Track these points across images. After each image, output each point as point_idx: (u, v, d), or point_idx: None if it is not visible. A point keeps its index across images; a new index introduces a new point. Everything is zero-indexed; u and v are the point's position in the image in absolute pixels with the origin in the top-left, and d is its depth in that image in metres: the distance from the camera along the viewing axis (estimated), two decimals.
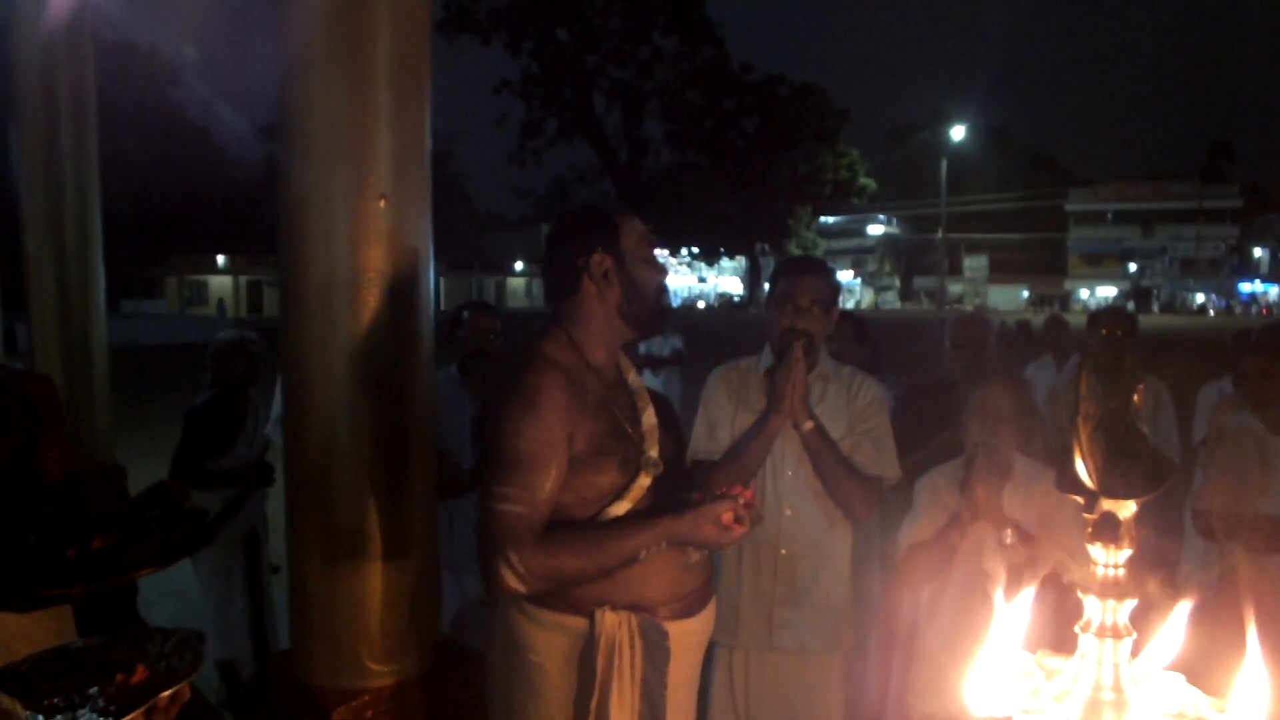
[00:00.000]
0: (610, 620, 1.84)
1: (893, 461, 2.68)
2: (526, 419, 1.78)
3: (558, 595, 1.86)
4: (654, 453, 1.92)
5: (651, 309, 1.95)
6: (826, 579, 2.68)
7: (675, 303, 68.83)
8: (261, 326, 5.01)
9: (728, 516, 1.80)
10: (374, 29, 1.96)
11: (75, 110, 3.61)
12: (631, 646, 1.85)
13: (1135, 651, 0.92)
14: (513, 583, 1.75)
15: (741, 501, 1.86)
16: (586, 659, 1.85)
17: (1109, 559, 0.88)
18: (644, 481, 1.90)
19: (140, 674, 1.18)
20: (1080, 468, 0.87)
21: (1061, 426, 3.80)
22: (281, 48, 1.99)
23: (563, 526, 1.81)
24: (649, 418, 1.98)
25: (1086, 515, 0.88)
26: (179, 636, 1.26)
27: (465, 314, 3.72)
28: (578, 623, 1.86)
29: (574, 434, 1.83)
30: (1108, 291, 65.95)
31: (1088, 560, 0.89)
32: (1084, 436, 0.85)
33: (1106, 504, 0.85)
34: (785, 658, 2.68)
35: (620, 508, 1.88)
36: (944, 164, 53.61)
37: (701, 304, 69.36)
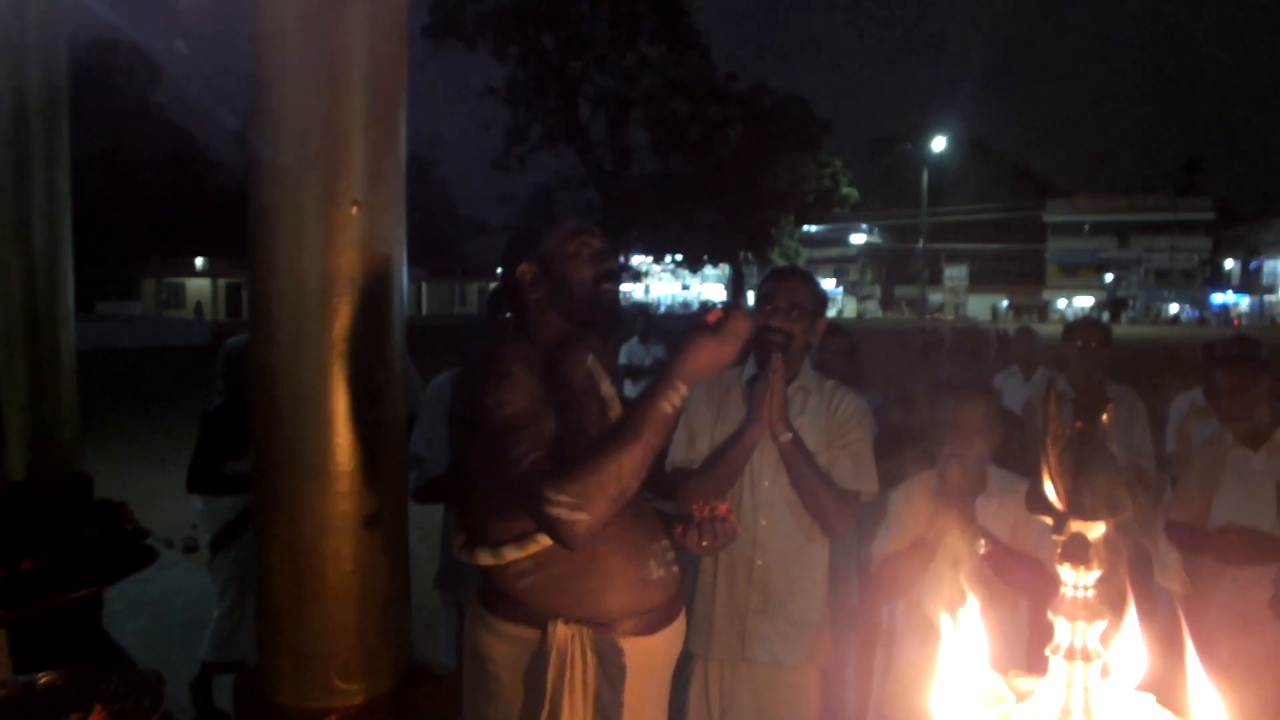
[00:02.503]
0: (562, 633, 1.80)
1: (871, 476, 2.68)
2: (504, 387, 1.76)
3: (514, 604, 1.83)
4: None
5: (585, 300, 1.91)
6: (802, 591, 2.67)
7: (660, 310, 69.02)
8: (240, 330, 4.98)
9: (714, 315, 1.71)
10: (349, 34, 1.93)
11: (46, 108, 3.54)
12: (584, 661, 1.81)
13: (1106, 672, 0.91)
14: (568, 515, 1.62)
15: (716, 511, 1.84)
16: (537, 671, 1.81)
17: (1078, 580, 0.86)
18: None
19: (98, 715, 1.14)
20: (1049, 488, 0.86)
21: (1037, 435, 3.83)
22: (253, 51, 1.96)
23: (577, 448, 1.73)
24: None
25: (1056, 537, 0.87)
26: (138, 677, 1.22)
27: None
28: (530, 634, 1.83)
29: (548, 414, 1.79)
30: (1085, 301, 66.61)
31: (1057, 579, 0.88)
32: (1053, 457, 0.84)
33: (1075, 525, 0.84)
34: (759, 670, 2.67)
35: None
36: (925, 175, 54.02)
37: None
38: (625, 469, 1.64)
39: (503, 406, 1.74)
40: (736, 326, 1.71)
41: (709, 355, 1.70)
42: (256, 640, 2.08)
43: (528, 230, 1.99)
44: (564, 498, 1.62)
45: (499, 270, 2.02)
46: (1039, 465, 0.89)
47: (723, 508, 1.87)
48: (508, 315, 3.11)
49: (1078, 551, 0.84)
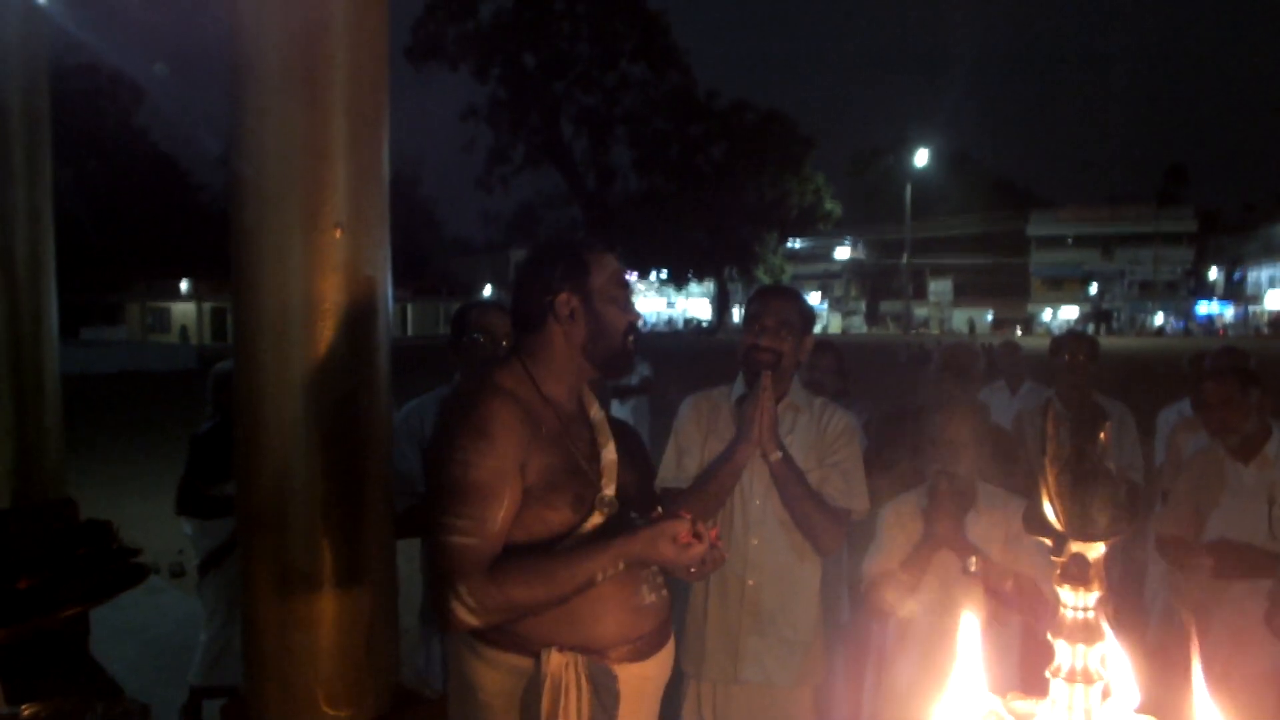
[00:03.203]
0: (556, 661, 1.79)
1: (862, 494, 2.67)
2: (477, 447, 1.74)
3: (506, 633, 1.81)
4: (609, 491, 1.88)
5: (617, 351, 1.92)
6: (794, 611, 2.66)
7: (644, 328, 68.98)
8: (226, 354, 4.96)
9: (684, 534, 1.76)
10: (330, 56, 1.93)
11: (28, 131, 3.52)
12: (578, 688, 1.80)
13: (1107, 694, 0.90)
14: (464, 615, 1.71)
15: (711, 534, 1.82)
16: (531, 700, 1.80)
17: (1078, 601, 0.85)
18: (596, 520, 1.85)
19: None
20: (1048, 509, 0.84)
21: (1026, 450, 3.84)
22: (233, 73, 1.95)
23: (513, 555, 1.77)
24: (609, 454, 1.93)
25: (1055, 558, 0.85)
26: (123, 707, 1.19)
27: (471, 315, 3.15)
28: (524, 662, 1.82)
29: (526, 465, 1.79)
30: (1070, 314, 67.04)
31: (1055, 600, 0.87)
32: (1051, 477, 0.83)
33: (1075, 546, 0.83)
34: (752, 690, 2.65)
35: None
36: (908, 189, 54.40)
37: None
38: (538, 602, 1.74)
39: (467, 468, 1.74)
40: (695, 555, 1.78)
41: (661, 556, 1.78)
42: (244, 665, 2.06)
43: (573, 256, 1.92)
44: (470, 600, 1.70)
45: (520, 281, 1.94)
46: (1037, 485, 0.88)
47: (713, 532, 1.86)
48: (474, 337, 3.06)
49: (1078, 572, 0.83)
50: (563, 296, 1.89)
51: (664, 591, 1.97)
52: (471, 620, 1.72)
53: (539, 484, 1.80)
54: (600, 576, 1.77)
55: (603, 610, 1.83)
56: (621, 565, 1.78)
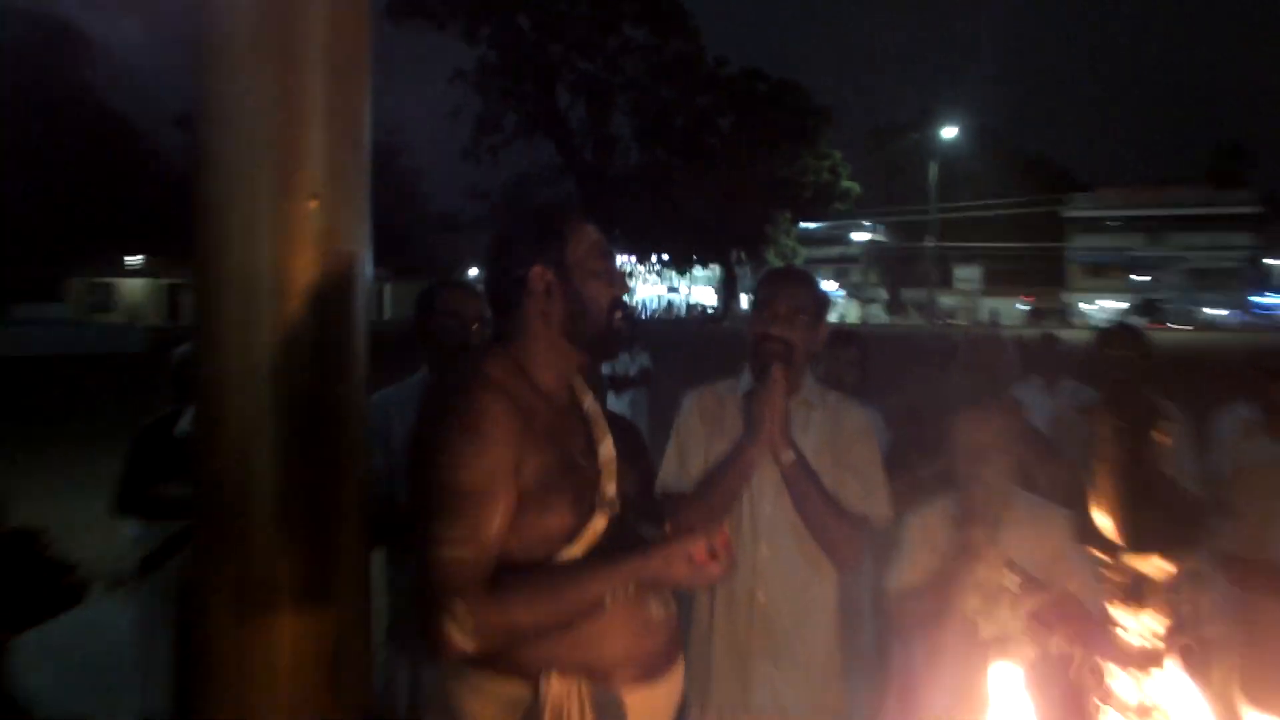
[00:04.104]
0: (558, 687, 1.78)
1: (883, 499, 2.66)
2: (468, 448, 1.73)
3: (502, 656, 1.80)
4: (610, 490, 1.88)
5: (601, 330, 1.90)
6: (810, 630, 2.65)
7: (644, 314, 69.08)
8: (180, 337, 4.93)
9: (701, 553, 1.76)
10: (306, 8, 1.92)
11: None
12: (582, 716, 1.79)
13: None
14: (459, 639, 1.69)
15: (718, 540, 1.82)
16: None
17: (1137, 625, 0.84)
18: (598, 524, 1.85)
19: None
20: (1099, 519, 0.83)
21: (1069, 456, 3.82)
22: (199, 26, 1.93)
23: (514, 572, 1.75)
24: (606, 449, 1.93)
25: (1109, 575, 0.84)
26: None
27: (438, 296, 3.10)
28: (520, 690, 1.80)
29: (521, 465, 1.78)
30: (1112, 304, 66.79)
31: (1108, 622, 0.86)
32: (1103, 483, 0.81)
33: (1132, 561, 0.82)
34: None
35: (571, 553, 1.82)
36: (933, 167, 54.35)
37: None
38: (541, 626, 1.74)
39: (457, 470, 1.73)
40: (712, 575, 1.79)
41: (676, 577, 1.80)
42: (188, 685, 2.05)
43: (547, 226, 1.92)
44: (467, 621, 1.69)
45: (491, 257, 1.94)
46: (1085, 495, 0.87)
47: (721, 536, 1.85)
48: (443, 321, 3.02)
49: (1137, 593, 0.81)
50: (536, 270, 1.87)
51: (672, 606, 1.96)
52: (467, 645, 1.70)
53: (535, 485, 1.79)
54: (609, 598, 1.77)
55: (607, 627, 1.82)
56: (632, 587, 1.79)
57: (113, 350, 29.64)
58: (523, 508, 1.78)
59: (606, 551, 1.82)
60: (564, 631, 1.78)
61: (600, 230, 1.98)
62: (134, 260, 52.40)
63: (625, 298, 1.95)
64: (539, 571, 1.78)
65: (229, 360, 1.93)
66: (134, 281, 52.84)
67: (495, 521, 1.74)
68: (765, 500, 2.63)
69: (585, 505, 1.85)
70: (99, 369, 23.97)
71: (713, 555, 1.78)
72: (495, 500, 1.74)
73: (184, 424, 3.88)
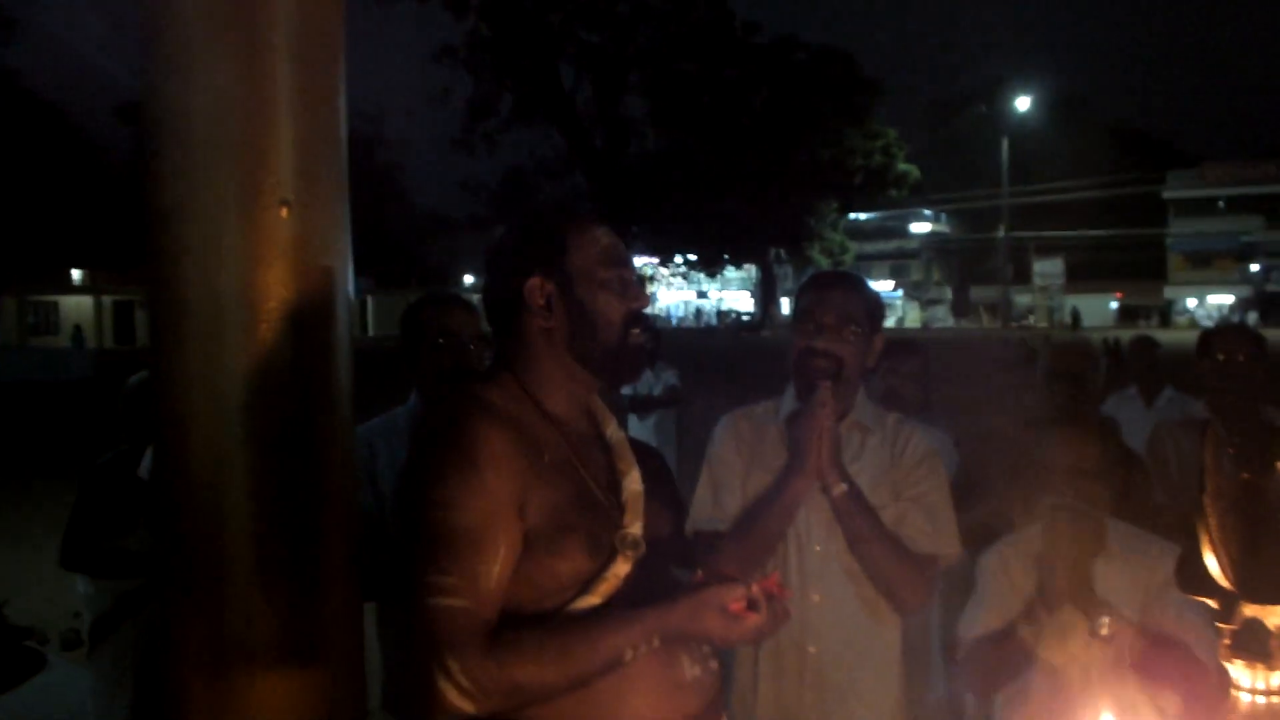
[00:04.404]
0: None
1: (951, 536, 2.67)
2: (463, 484, 1.76)
3: (506, 719, 1.81)
4: (636, 530, 1.89)
5: (613, 349, 1.92)
6: (868, 684, 2.66)
7: (667, 323, 69.18)
8: (132, 361, 4.98)
9: (738, 604, 1.77)
10: None
11: None
12: None
13: None
14: (456, 699, 1.71)
15: (761, 590, 1.82)
16: None
17: (1255, 681, 0.84)
18: (620, 569, 1.87)
19: None
20: (1210, 561, 0.83)
21: (1167, 477, 3.82)
22: (146, 8, 1.96)
23: (519, 625, 1.78)
24: (632, 483, 1.95)
25: (1222, 625, 0.84)
26: None
27: (428, 315, 3.14)
28: None
29: (526, 503, 1.80)
30: (1222, 299, 66.21)
31: (1223, 679, 0.86)
32: (1213, 521, 0.82)
33: (1250, 610, 0.82)
34: None
35: (587, 602, 1.84)
36: (1005, 144, 54.29)
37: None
38: (549, 687, 1.74)
39: (449, 511, 1.75)
40: (749, 630, 1.79)
41: (706, 631, 1.80)
42: None
43: (544, 229, 1.96)
44: (463, 679, 1.70)
45: (487, 268, 1.98)
46: (1189, 529, 0.87)
47: (771, 581, 1.86)
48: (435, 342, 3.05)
49: (1254, 644, 0.81)
50: (534, 282, 1.91)
51: (713, 663, 1.97)
52: (465, 705, 1.71)
53: (544, 526, 1.81)
54: (629, 654, 1.77)
55: (630, 687, 1.83)
56: (656, 641, 1.79)
57: (56, 377, 29.98)
58: (530, 551, 1.80)
59: (630, 600, 1.83)
60: (579, 692, 1.79)
61: (614, 230, 1.99)
62: (75, 275, 52.91)
63: (644, 310, 1.96)
64: (546, 624, 1.80)
65: (192, 392, 1.95)
66: (76, 299, 53.39)
67: (495, 567, 1.76)
68: (814, 540, 2.64)
69: (604, 547, 1.86)
70: (41, 400, 24.24)
71: (752, 606, 1.78)
72: (494, 543, 1.76)
73: (146, 465, 3.93)
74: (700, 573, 1.90)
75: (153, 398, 2.05)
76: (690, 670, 1.90)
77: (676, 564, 2.08)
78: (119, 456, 4.08)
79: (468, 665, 1.71)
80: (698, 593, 1.79)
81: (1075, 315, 58.21)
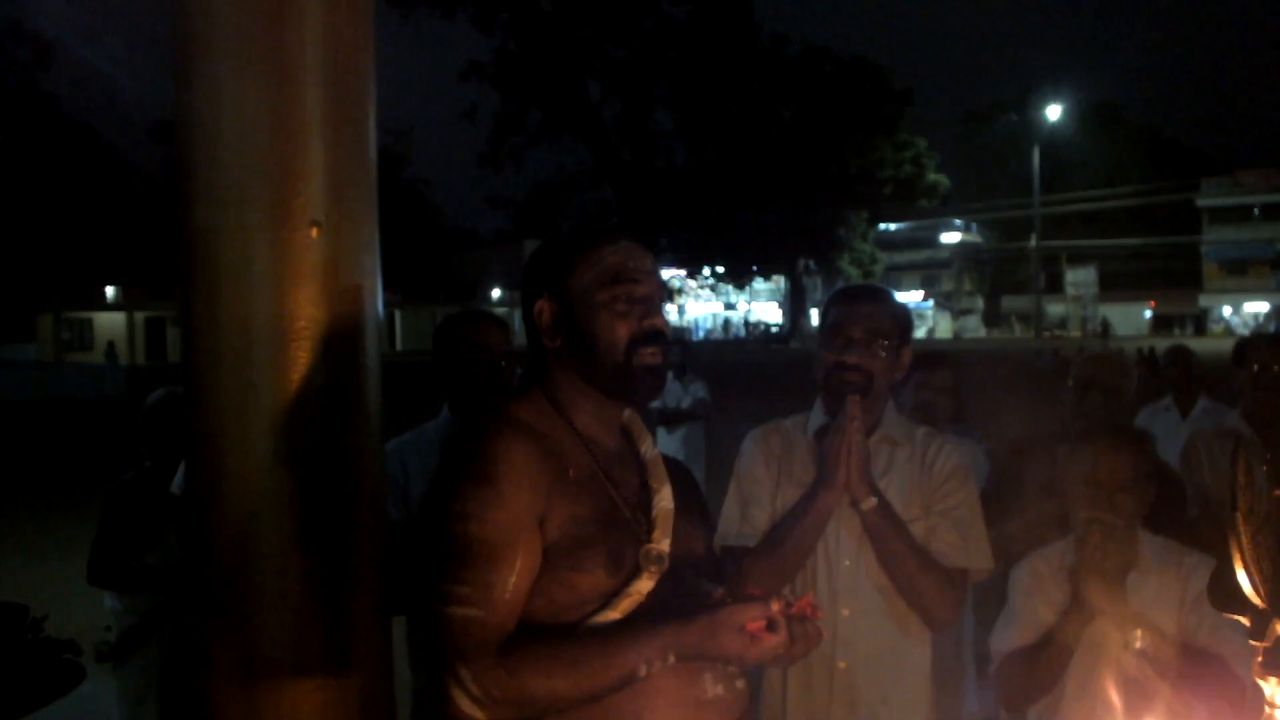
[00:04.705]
0: None
1: (983, 550, 2.66)
2: (481, 496, 1.77)
3: None
4: (663, 547, 1.88)
5: (613, 373, 1.90)
6: (898, 700, 2.65)
7: (697, 335, 69.10)
8: (163, 377, 5.02)
9: (755, 623, 1.74)
10: (300, 9, 1.97)
11: None
12: None
13: None
14: (466, 706, 1.72)
15: (792, 609, 1.80)
16: None
17: None
18: (643, 585, 1.85)
19: None
20: (1242, 578, 0.83)
21: (1202, 490, 3.78)
22: (177, 31, 1.99)
23: (532, 634, 1.78)
24: (663, 500, 1.94)
25: (1255, 642, 0.84)
26: None
27: (461, 330, 3.17)
28: None
29: (547, 517, 1.81)
30: (1258, 307, 65.56)
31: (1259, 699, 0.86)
32: (1245, 536, 0.81)
33: None
34: None
35: (607, 617, 1.83)
36: (1036, 153, 54.00)
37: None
38: (559, 698, 1.74)
39: (468, 522, 1.76)
40: (768, 649, 1.75)
41: (723, 650, 1.75)
42: None
43: (556, 248, 1.97)
44: (473, 687, 1.71)
45: (521, 293, 2.00)
46: (1223, 543, 0.87)
47: (805, 602, 1.84)
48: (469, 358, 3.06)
49: None
50: (540, 303, 1.93)
51: (738, 683, 1.95)
52: (476, 713, 1.72)
53: (564, 540, 1.81)
54: (644, 670, 1.76)
55: (649, 704, 1.81)
56: (671, 658, 1.77)
57: (90, 394, 30.26)
58: (550, 565, 1.81)
59: (653, 617, 1.82)
60: (597, 706, 1.78)
61: (640, 243, 1.99)
62: (109, 292, 53.42)
63: (656, 330, 1.91)
64: (561, 636, 1.79)
65: (224, 410, 1.97)
66: (110, 315, 53.87)
67: (510, 578, 1.76)
68: (844, 554, 2.64)
69: (626, 564, 1.85)
70: (76, 415, 24.48)
71: (771, 627, 1.74)
72: (511, 555, 1.76)
73: (178, 481, 3.97)
74: (720, 591, 1.88)
75: (185, 415, 2.07)
76: (713, 689, 1.88)
77: (708, 580, 2.07)
78: (141, 474, 4.12)
79: (478, 673, 1.72)
80: (715, 611, 1.76)
81: (1105, 325, 57.69)
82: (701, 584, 1.97)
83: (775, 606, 1.75)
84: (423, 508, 1.94)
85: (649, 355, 1.90)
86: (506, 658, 1.73)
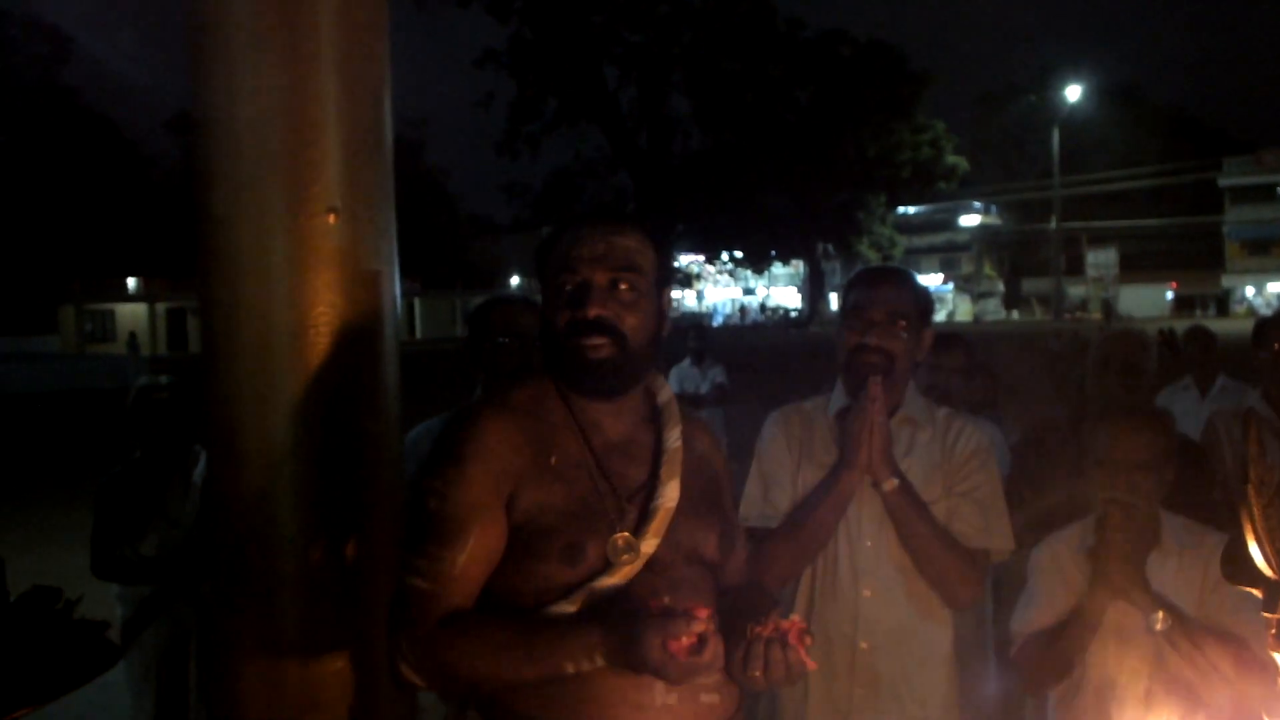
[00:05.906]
0: None
1: (1003, 530, 2.66)
2: (446, 474, 1.81)
3: (499, 705, 1.80)
4: (650, 546, 1.83)
5: (554, 358, 1.91)
6: (921, 681, 2.65)
7: (716, 321, 68.97)
8: (184, 366, 5.03)
9: (676, 641, 1.63)
10: None
11: None
12: None
13: None
14: (405, 671, 1.78)
15: (773, 632, 1.74)
16: None
17: None
18: (609, 580, 1.81)
19: None
20: (1255, 550, 0.83)
21: (1222, 468, 3.77)
22: (193, 19, 2.00)
23: (479, 616, 1.80)
24: (666, 499, 1.87)
25: (1267, 615, 0.84)
26: None
27: (494, 314, 3.18)
28: None
29: (516, 498, 1.81)
30: None
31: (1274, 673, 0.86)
32: (1258, 509, 0.81)
33: None
34: None
35: (562, 609, 1.80)
36: (1056, 134, 53.63)
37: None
38: (479, 678, 1.77)
39: (431, 497, 1.80)
40: (680, 674, 1.66)
41: (642, 657, 1.66)
42: None
43: (550, 235, 2.00)
44: (409, 654, 1.77)
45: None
46: (1239, 519, 0.87)
47: (792, 627, 1.77)
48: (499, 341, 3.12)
49: None
50: (541, 290, 1.99)
51: (707, 696, 1.85)
52: (414, 678, 1.78)
53: (527, 526, 1.81)
54: (571, 668, 1.72)
55: (589, 700, 1.77)
56: (599, 660, 1.71)
57: (113, 385, 30.39)
58: (510, 549, 1.81)
59: (597, 615, 1.76)
60: (534, 695, 1.77)
61: (647, 228, 1.96)
62: (130, 283, 53.68)
63: (588, 319, 1.85)
64: (500, 621, 1.80)
65: (244, 399, 1.99)
66: (131, 307, 54.11)
67: (462, 558, 1.78)
68: (865, 535, 2.64)
69: (588, 558, 1.81)
70: (99, 406, 24.61)
71: (698, 649, 1.64)
72: (465, 533, 1.78)
73: (200, 470, 4.00)
74: (664, 600, 1.77)
75: (205, 403, 2.09)
76: (663, 697, 1.80)
77: (720, 583, 2.02)
78: (130, 465, 4.15)
79: (413, 641, 1.76)
80: (640, 621, 1.68)
81: (1108, 306, 56.69)
82: (711, 588, 1.95)
83: (699, 628, 1.64)
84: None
85: (579, 347, 1.85)
86: (442, 631, 1.76)
